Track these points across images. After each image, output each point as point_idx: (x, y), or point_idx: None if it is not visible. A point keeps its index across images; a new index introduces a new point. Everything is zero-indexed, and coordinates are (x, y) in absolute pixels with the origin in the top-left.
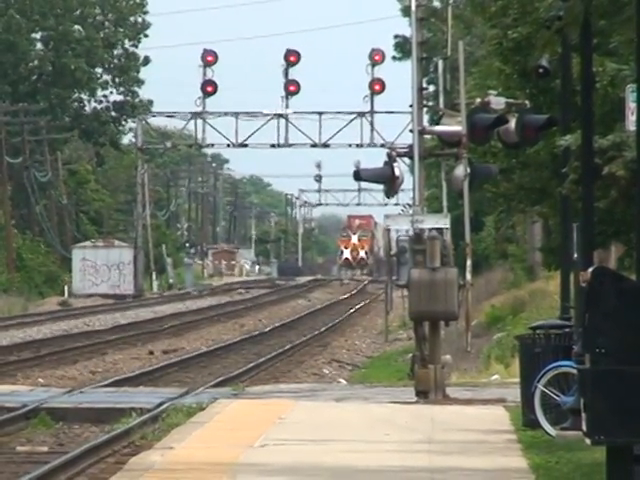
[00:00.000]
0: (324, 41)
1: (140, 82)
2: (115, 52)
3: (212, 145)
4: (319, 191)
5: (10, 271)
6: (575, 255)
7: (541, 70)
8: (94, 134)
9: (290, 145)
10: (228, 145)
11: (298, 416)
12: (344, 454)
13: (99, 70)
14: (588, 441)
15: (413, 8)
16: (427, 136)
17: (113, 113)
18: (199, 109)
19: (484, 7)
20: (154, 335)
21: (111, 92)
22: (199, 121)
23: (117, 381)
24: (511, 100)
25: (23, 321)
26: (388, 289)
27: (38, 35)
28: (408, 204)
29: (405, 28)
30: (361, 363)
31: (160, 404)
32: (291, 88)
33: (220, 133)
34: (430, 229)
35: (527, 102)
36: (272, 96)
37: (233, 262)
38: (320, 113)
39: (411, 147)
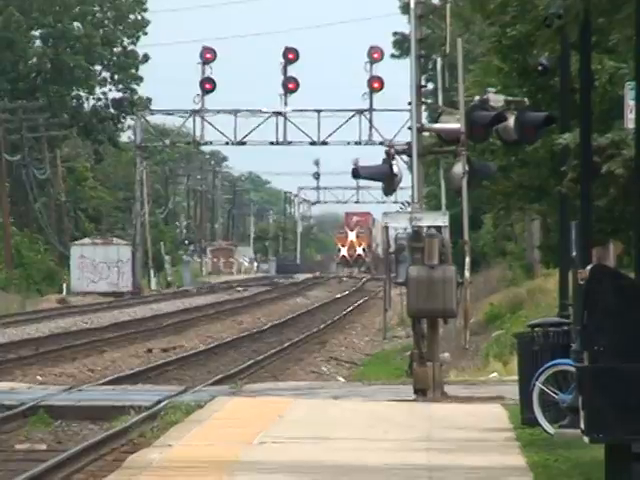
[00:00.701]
0: (323, 39)
1: (139, 79)
2: (114, 50)
3: (211, 142)
4: (318, 189)
5: (8, 268)
6: (574, 253)
7: (540, 68)
8: (93, 131)
9: (289, 143)
10: (227, 143)
11: (297, 414)
12: (343, 452)
13: (98, 67)
14: (586, 439)
15: (412, 5)
16: (426, 134)
17: (112, 110)
18: (198, 106)
19: (483, 5)
20: (152, 333)
21: (110, 89)
22: (198, 119)
23: (116, 379)
24: (510, 98)
25: (21, 319)
26: (386, 287)
27: (37, 32)
28: (407, 202)
29: (404, 26)
30: (359, 361)
31: (159, 402)
32: (290, 86)
33: (219, 131)
34: (428, 227)
35: (526, 100)
36: (271, 94)
37: (231, 260)
38: (319, 111)
39: (410, 145)
